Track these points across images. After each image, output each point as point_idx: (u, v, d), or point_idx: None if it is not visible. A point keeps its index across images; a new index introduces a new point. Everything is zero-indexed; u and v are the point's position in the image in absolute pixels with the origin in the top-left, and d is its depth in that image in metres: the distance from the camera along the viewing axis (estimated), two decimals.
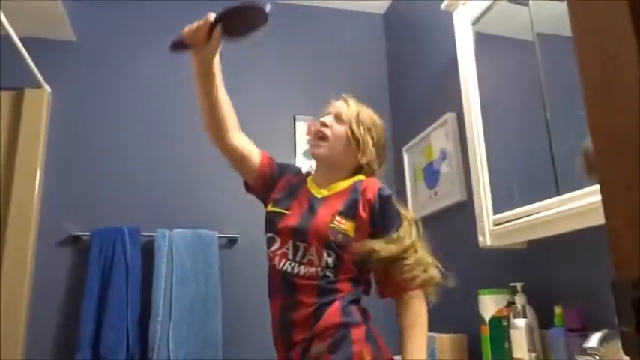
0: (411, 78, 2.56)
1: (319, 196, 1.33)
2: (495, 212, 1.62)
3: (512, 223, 1.50)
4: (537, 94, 1.49)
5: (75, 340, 2.03)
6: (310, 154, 1.42)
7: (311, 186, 1.38)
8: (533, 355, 1.34)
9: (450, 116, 2.03)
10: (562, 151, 1.40)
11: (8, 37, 1.79)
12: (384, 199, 1.27)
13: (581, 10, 0.48)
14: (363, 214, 1.25)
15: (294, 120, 2.63)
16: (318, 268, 1.22)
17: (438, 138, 2.13)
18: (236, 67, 2.61)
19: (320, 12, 2.82)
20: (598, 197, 1.05)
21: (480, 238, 1.64)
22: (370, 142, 1.36)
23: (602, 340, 1.06)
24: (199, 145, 2.49)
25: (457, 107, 1.92)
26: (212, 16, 1.24)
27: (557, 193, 1.37)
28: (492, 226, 1.61)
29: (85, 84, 2.41)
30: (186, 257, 2.21)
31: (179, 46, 1.29)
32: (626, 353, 0.40)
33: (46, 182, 2.23)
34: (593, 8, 0.46)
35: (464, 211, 1.91)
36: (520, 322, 1.38)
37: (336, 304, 1.20)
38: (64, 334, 2.10)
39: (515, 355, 1.37)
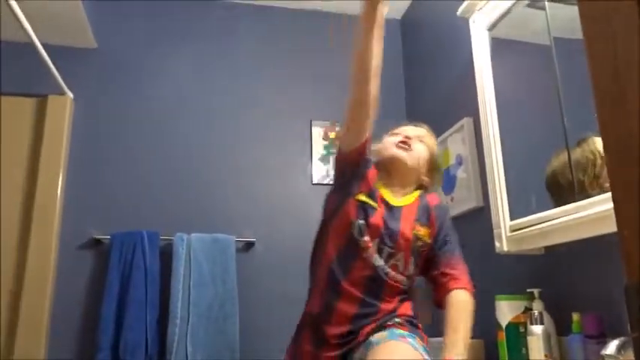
0: (427, 83, 2.56)
1: (396, 204, 1.40)
2: (512, 218, 1.61)
3: (530, 229, 1.49)
4: (554, 99, 1.48)
5: (95, 341, 2.07)
6: (388, 156, 1.45)
7: (383, 191, 1.41)
8: None
9: (466, 121, 2.03)
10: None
11: (32, 44, 1.84)
12: (447, 211, 1.47)
13: (591, 15, 0.48)
14: (433, 221, 1.40)
15: (311, 124, 2.64)
16: (404, 275, 1.35)
17: (455, 143, 2.12)
18: (252, 71, 2.65)
19: (336, 17, 2.84)
20: (611, 204, 1.04)
21: (497, 244, 1.63)
22: (438, 170, 1.54)
23: (621, 348, 1.05)
24: (218, 151, 2.52)
25: (474, 112, 1.91)
26: None
27: (575, 199, 1.36)
28: (509, 232, 1.60)
29: (106, 90, 2.46)
30: (203, 261, 2.24)
31: None
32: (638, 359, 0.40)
33: (67, 186, 2.28)
34: (604, 12, 0.46)
35: (480, 217, 1.90)
36: (537, 329, 1.37)
37: (409, 302, 1.37)
38: (85, 335, 2.14)
39: None
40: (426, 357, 1.22)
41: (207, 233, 2.29)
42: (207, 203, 2.42)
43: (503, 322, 1.55)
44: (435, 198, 1.47)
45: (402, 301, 1.36)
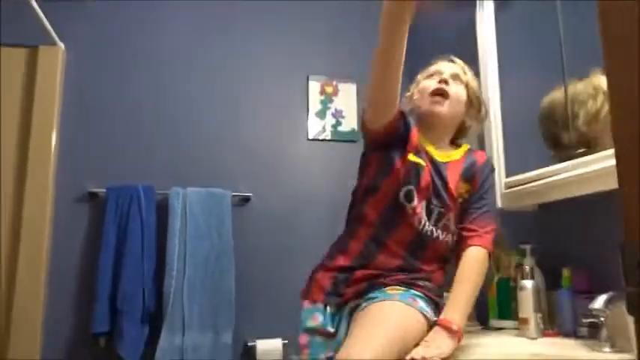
0: (427, 37, 2.51)
1: (443, 160, 1.34)
2: (508, 175, 1.62)
3: (525, 186, 1.50)
4: (557, 56, 1.46)
5: (93, 292, 2.10)
6: (425, 112, 1.35)
7: (429, 148, 1.34)
8: (539, 315, 1.37)
9: None
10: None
11: None
12: (492, 169, 1.40)
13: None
14: (476, 179, 1.34)
15: (308, 80, 2.61)
16: (451, 235, 1.31)
17: None
18: (248, 24, 2.59)
19: None
20: (611, 162, 1.05)
21: None
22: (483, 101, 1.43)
23: (608, 302, 1.08)
24: (214, 105, 2.50)
25: (474, 68, 1.88)
26: None
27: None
28: (504, 189, 1.61)
29: (99, 41, 2.40)
30: (200, 215, 2.25)
31: None
32: (630, 313, 0.42)
33: (62, 139, 2.26)
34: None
35: None
36: (527, 284, 1.40)
37: (442, 272, 1.33)
38: (83, 286, 2.17)
39: (521, 315, 1.40)
40: (422, 312, 1.19)
41: (203, 187, 2.30)
42: (203, 158, 2.41)
43: (495, 278, 1.58)
44: (482, 156, 1.40)
45: (440, 267, 1.33)
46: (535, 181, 1.46)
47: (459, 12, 2.10)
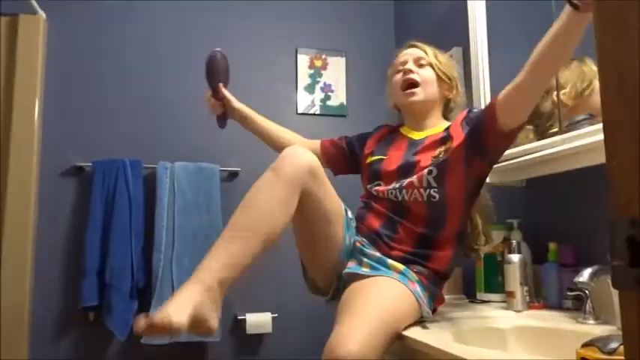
0: (417, 10, 2.48)
1: (418, 138, 1.38)
2: None
3: (513, 161, 1.50)
4: (547, 30, 1.44)
5: (80, 267, 2.09)
6: (404, 105, 1.44)
7: (407, 132, 1.44)
8: (525, 288, 1.39)
9: (456, 51, 1.98)
10: None
11: None
12: (470, 109, 1.36)
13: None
14: (455, 130, 1.31)
15: (297, 52, 2.57)
16: (421, 190, 1.29)
17: None
18: None
19: None
20: (599, 137, 1.05)
21: None
22: (454, 72, 1.44)
23: (593, 276, 1.09)
24: (201, 77, 2.45)
25: (463, 42, 1.87)
26: (209, 94, 1.56)
27: (560, 132, 1.37)
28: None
29: (82, 10, 2.33)
30: (187, 190, 2.24)
31: (221, 119, 1.61)
32: (615, 287, 0.42)
33: (45, 112, 2.22)
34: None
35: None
36: (514, 258, 1.42)
37: (447, 254, 1.32)
38: (70, 261, 2.16)
39: (508, 288, 1.41)
40: (414, 294, 1.18)
41: (191, 162, 2.28)
42: (191, 132, 2.38)
43: (482, 251, 1.60)
44: (462, 114, 1.37)
45: (436, 246, 1.30)
46: (523, 156, 1.46)
47: None
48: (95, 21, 2.34)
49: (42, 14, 2.21)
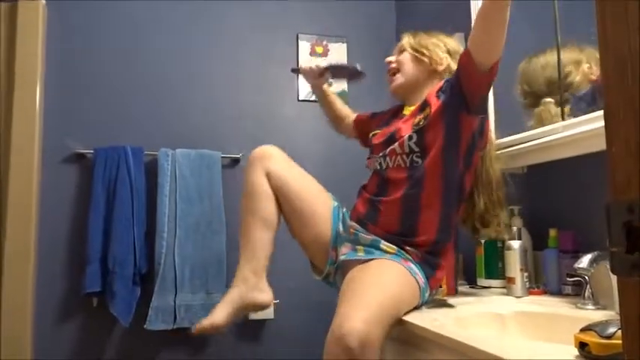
0: (422, 7, 2.45)
1: (406, 113, 1.46)
2: (498, 137, 1.62)
3: (515, 147, 1.50)
4: (550, 18, 1.44)
5: (84, 254, 2.10)
6: (392, 91, 1.53)
7: (404, 109, 1.52)
8: (525, 274, 1.40)
9: (458, 37, 1.97)
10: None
11: None
12: (448, 80, 1.37)
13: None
14: (434, 100, 1.35)
15: (297, 39, 2.55)
16: (403, 156, 1.35)
17: None
18: None
19: None
20: (600, 123, 1.05)
21: None
22: (437, 49, 1.45)
23: (593, 262, 1.10)
24: (203, 64, 2.44)
25: (466, 28, 1.86)
26: (323, 65, 1.67)
27: (562, 119, 1.37)
28: (494, 151, 1.61)
29: None
30: (189, 177, 2.24)
31: (296, 71, 1.86)
32: (614, 272, 0.42)
33: (46, 99, 2.21)
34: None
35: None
36: (515, 244, 1.42)
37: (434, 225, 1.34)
38: (73, 248, 2.17)
39: (508, 274, 1.42)
40: (410, 271, 1.21)
41: (192, 149, 2.28)
42: (191, 119, 2.38)
43: (483, 238, 1.60)
44: (439, 84, 1.42)
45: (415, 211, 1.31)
46: (525, 142, 1.46)
47: None
48: (95, 5, 2.33)
49: (42, 0, 2.20)
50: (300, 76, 2.40)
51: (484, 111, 1.36)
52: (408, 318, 1.12)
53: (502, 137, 1.59)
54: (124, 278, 2.08)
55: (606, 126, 0.44)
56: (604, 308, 1.16)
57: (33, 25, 2.18)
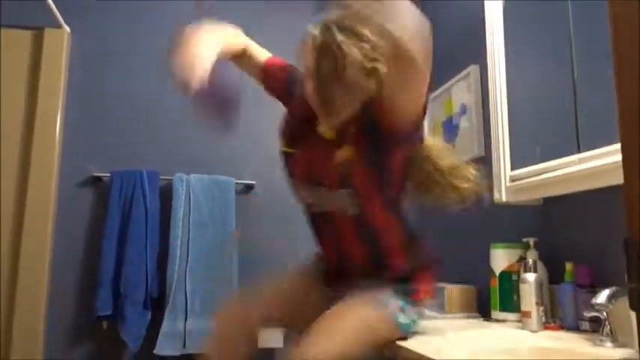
0: (434, 27, 2.48)
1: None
2: (513, 168, 1.61)
3: (530, 179, 1.49)
4: (566, 51, 1.44)
5: (96, 276, 2.11)
6: None
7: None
8: (541, 308, 1.37)
9: (472, 69, 1.99)
10: (586, 110, 1.37)
11: None
12: None
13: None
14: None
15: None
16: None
17: (459, 91, 2.09)
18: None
19: None
20: (618, 157, 1.04)
21: (496, 195, 1.64)
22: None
23: (611, 297, 1.08)
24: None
25: (481, 60, 1.87)
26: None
27: (578, 151, 1.36)
28: (509, 182, 1.60)
29: (105, 25, 2.39)
30: (203, 202, 2.26)
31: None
32: (633, 308, 0.41)
33: (67, 123, 2.26)
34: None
35: (481, 167, 1.90)
36: (530, 277, 1.40)
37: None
38: (86, 270, 2.18)
39: (523, 308, 1.39)
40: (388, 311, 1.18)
41: (207, 175, 2.30)
42: (207, 145, 2.41)
43: (497, 270, 1.58)
44: None
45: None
46: (540, 174, 1.45)
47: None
48: (113, 30, 2.39)
49: (66, 28, 2.27)
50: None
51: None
52: (422, 351, 1.10)
53: (516, 169, 1.58)
54: (135, 301, 2.08)
55: (624, 162, 0.44)
56: (624, 346, 1.13)
57: (58, 52, 2.25)
